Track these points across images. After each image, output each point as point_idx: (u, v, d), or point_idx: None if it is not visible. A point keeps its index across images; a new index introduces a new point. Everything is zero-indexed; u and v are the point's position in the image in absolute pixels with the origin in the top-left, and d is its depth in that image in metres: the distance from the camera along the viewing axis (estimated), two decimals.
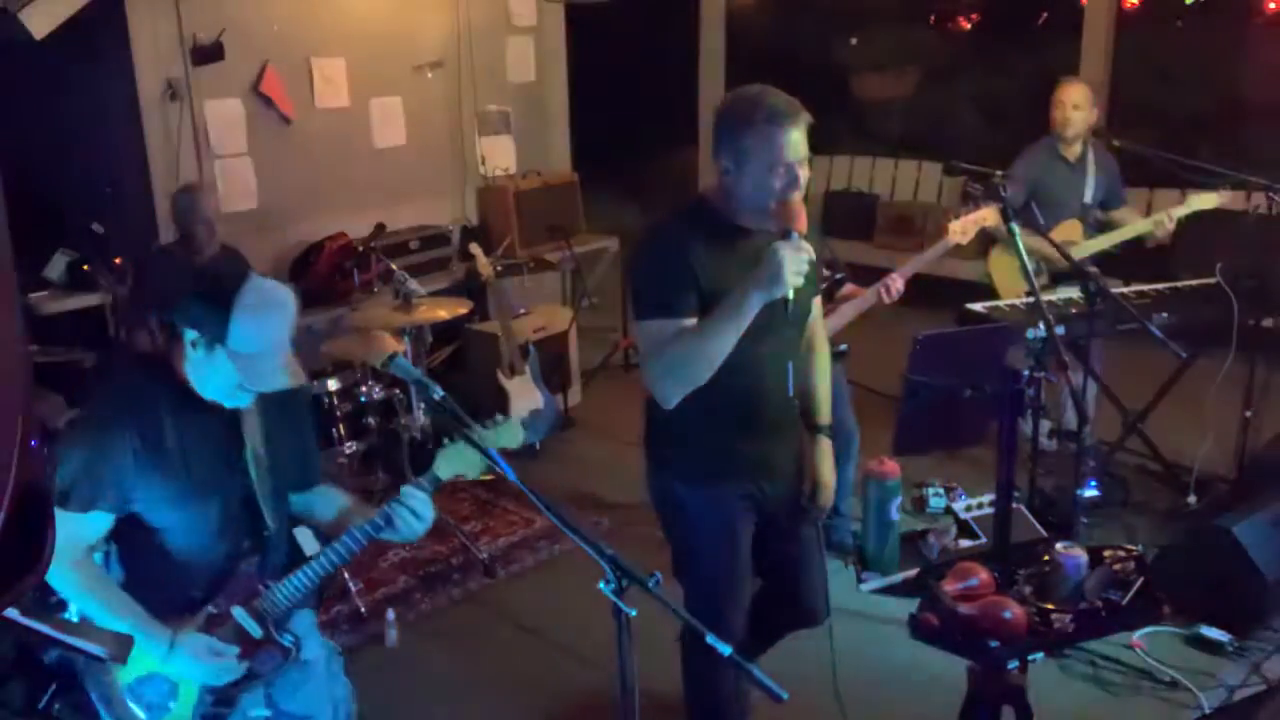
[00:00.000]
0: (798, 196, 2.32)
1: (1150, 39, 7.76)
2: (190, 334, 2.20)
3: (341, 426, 4.45)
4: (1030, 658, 2.64)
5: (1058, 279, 4.47)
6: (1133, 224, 4.56)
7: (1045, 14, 8.72)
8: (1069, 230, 4.50)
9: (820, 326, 2.77)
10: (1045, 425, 4.41)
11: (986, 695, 2.59)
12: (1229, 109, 7.36)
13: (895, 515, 3.99)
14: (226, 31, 5.13)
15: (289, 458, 2.41)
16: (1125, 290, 4.40)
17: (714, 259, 2.36)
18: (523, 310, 5.61)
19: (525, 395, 5.05)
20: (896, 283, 3.87)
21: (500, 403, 4.98)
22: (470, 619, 3.94)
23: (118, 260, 4.81)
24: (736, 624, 2.58)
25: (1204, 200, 4.37)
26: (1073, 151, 4.56)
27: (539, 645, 3.75)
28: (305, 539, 2.52)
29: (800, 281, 2.23)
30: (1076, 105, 4.47)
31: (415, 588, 4.09)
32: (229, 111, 5.34)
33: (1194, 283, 4.37)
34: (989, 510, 4.20)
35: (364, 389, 4.49)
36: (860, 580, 3.97)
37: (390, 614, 3.78)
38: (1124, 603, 2.58)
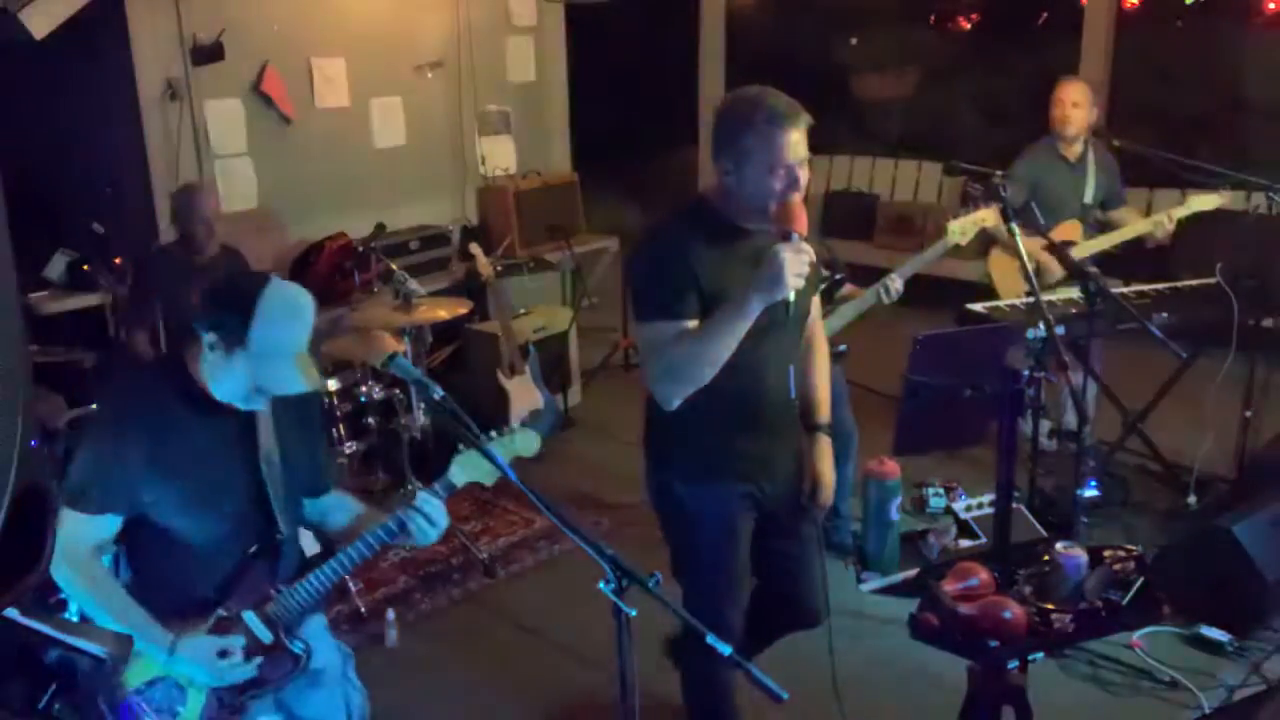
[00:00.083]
0: (798, 198, 2.32)
1: (1150, 39, 7.75)
2: (209, 336, 2.19)
3: (341, 426, 4.45)
4: (1030, 658, 2.64)
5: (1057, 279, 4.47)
6: (1133, 224, 4.56)
7: (1045, 14, 8.71)
8: (1069, 230, 4.50)
9: (819, 326, 2.77)
10: (1045, 425, 4.41)
11: (986, 695, 2.59)
12: (1229, 109, 7.36)
13: (895, 515, 3.99)
14: (226, 31, 5.13)
15: (301, 461, 2.41)
16: (1125, 290, 4.40)
17: (714, 259, 2.36)
18: (523, 311, 5.61)
19: (525, 395, 5.06)
20: (896, 283, 3.88)
21: (500, 403, 4.98)
22: (470, 619, 3.94)
23: (118, 260, 4.81)
24: (735, 623, 2.58)
25: (1204, 201, 4.37)
26: (1073, 151, 4.56)
27: (539, 645, 3.75)
28: (304, 540, 2.52)
29: (801, 284, 2.23)
30: (1076, 103, 4.47)
31: (415, 588, 4.09)
32: (229, 111, 5.33)
33: (1194, 283, 4.37)
34: (989, 510, 4.20)
35: (364, 389, 4.49)
36: (860, 580, 3.97)
37: (390, 614, 3.78)
38: (1124, 603, 2.58)
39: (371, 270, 5.20)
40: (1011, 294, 4.45)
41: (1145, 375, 4.58)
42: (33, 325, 4.45)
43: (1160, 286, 4.40)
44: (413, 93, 6.13)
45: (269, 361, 2.18)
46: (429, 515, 2.28)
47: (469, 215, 6.52)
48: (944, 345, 3.44)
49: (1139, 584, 2.61)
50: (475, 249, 5.25)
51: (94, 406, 3.97)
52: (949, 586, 2.55)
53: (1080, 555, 2.61)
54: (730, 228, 2.40)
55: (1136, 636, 3.45)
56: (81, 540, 2.19)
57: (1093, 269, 3.87)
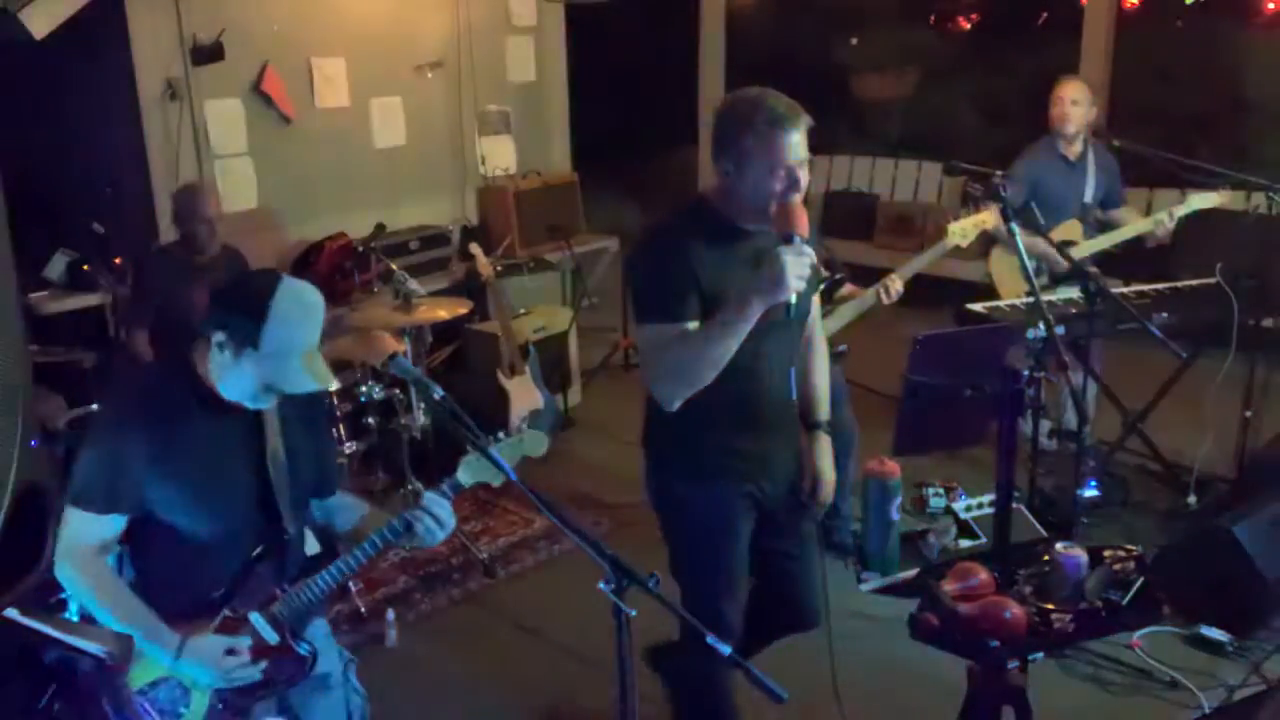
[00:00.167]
0: (798, 199, 2.32)
1: (1150, 39, 7.75)
2: (218, 335, 2.18)
3: (341, 426, 4.44)
4: (1030, 658, 2.64)
5: (1058, 279, 4.47)
6: (1133, 224, 4.57)
7: (1045, 14, 8.70)
8: (1069, 230, 4.50)
9: (818, 325, 2.77)
10: (1045, 425, 4.41)
11: (986, 695, 2.58)
12: (1229, 109, 7.35)
13: (895, 515, 4.00)
14: (226, 31, 5.13)
15: (308, 462, 2.40)
16: (1125, 290, 4.40)
17: (714, 260, 2.36)
18: (523, 311, 5.61)
19: (525, 395, 5.06)
20: (895, 283, 3.88)
21: (500, 403, 4.98)
22: (470, 619, 3.94)
23: (118, 260, 4.81)
24: (735, 623, 2.58)
25: (1204, 199, 4.38)
26: (1073, 150, 4.56)
27: (539, 645, 3.75)
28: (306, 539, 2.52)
29: (802, 286, 2.23)
30: (1075, 101, 4.47)
31: (415, 588, 4.09)
32: (229, 111, 5.33)
33: (1194, 283, 4.37)
34: (989, 510, 4.20)
35: (364, 389, 4.49)
36: (860, 580, 3.97)
37: (390, 614, 3.78)
38: (1124, 603, 2.58)
39: (371, 270, 5.20)
40: (1012, 294, 4.45)
41: (1145, 375, 4.58)
42: (33, 325, 4.44)
43: (1160, 286, 4.40)
44: (413, 93, 6.13)
45: (280, 360, 2.17)
46: (437, 516, 2.27)
47: (469, 215, 6.52)
48: (944, 345, 3.43)
49: (1139, 584, 2.61)
50: (475, 249, 5.25)
51: (94, 407, 3.97)
52: (949, 586, 2.55)
53: (1080, 555, 2.60)
54: (730, 228, 2.41)
55: (1136, 636, 3.45)
56: (87, 539, 2.19)
57: (1093, 269, 3.88)
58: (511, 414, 4.93)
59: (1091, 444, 4.37)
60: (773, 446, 2.59)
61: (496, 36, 6.57)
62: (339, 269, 5.42)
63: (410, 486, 4.34)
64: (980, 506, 4.28)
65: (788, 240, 2.22)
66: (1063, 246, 4.05)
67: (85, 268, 4.84)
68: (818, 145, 2.40)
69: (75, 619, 2.41)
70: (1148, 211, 5.20)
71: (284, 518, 2.33)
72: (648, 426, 2.62)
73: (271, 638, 2.29)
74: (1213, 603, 3.53)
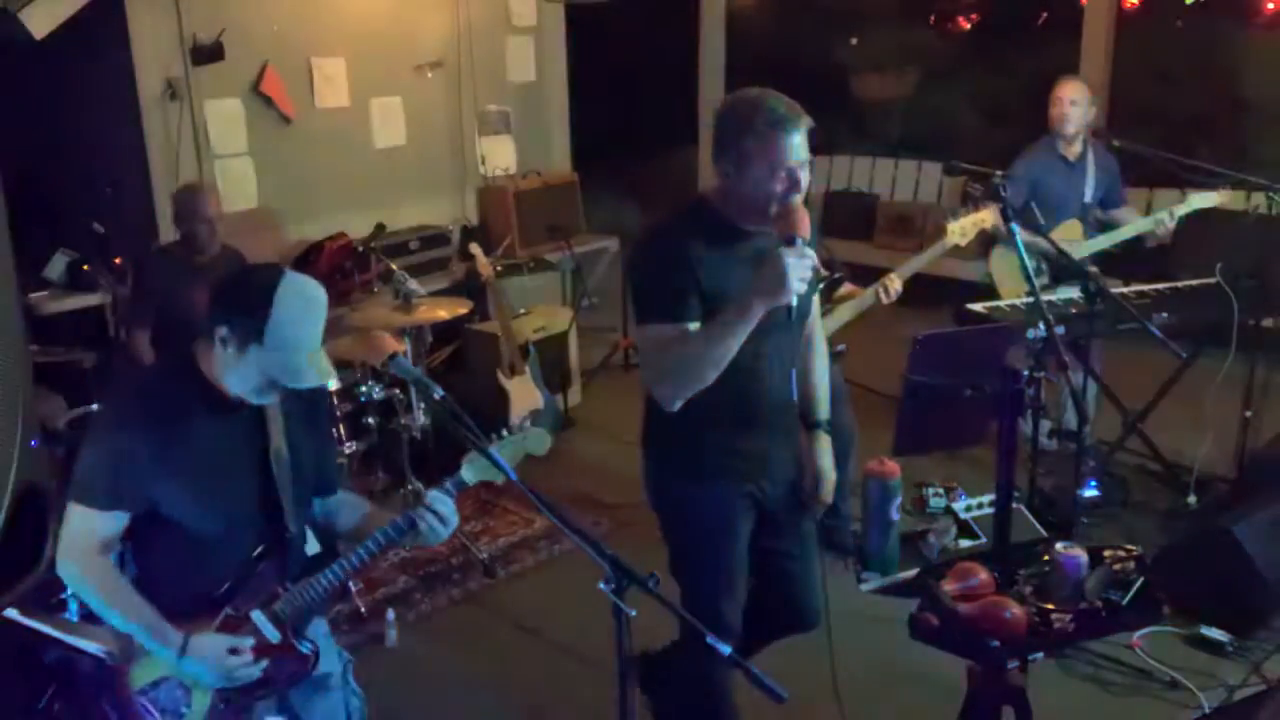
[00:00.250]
0: (799, 200, 2.32)
1: (1150, 39, 7.74)
2: (221, 331, 2.18)
3: (341, 426, 4.44)
4: (1030, 658, 2.64)
5: (1058, 279, 4.48)
6: (1133, 223, 4.57)
7: (1045, 14, 8.70)
8: (1069, 230, 4.50)
9: (818, 324, 2.78)
10: (1045, 425, 4.41)
11: (986, 695, 2.58)
12: (1229, 109, 7.35)
13: (895, 515, 3.99)
14: (226, 31, 5.13)
15: (310, 460, 2.40)
16: (1125, 290, 4.40)
17: (714, 260, 2.36)
18: (523, 311, 5.61)
19: (525, 395, 5.06)
20: (895, 283, 3.88)
21: (500, 403, 4.98)
22: (470, 619, 3.94)
23: (118, 260, 4.81)
24: (734, 623, 2.58)
25: (1204, 199, 4.38)
26: (1073, 150, 4.57)
27: (539, 645, 3.75)
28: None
29: (804, 288, 2.23)
30: (1074, 100, 4.47)
31: (415, 588, 4.09)
32: (229, 111, 5.34)
33: (1194, 283, 4.37)
34: (989, 510, 4.20)
35: (364, 389, 4.49)
36: (860, 580, 3.97)
37: (390, 614, 3.78)
38: (1124, 603, 2.57)
39: (371, 270, 5.21)
40: (1012, 294, 4.46)
41: (1145, 375, 4.58)
42: (33, 325, 4.44)
43: (1160, 286, 4.40)
44: (413, 93, 6.13)
45: (284, 355, 2.17)
46: (440, 514, 2.27)
47: (469, 215, 6.53)
48: (944, 345, 3.43)
49: (1139, 584, 2.61)
50: (475, 249, 5.25)
51: (94, 407, 3.97)
52: (949, 586, 2.55)
53: (1080, 555, 2.60)
54: (730, 229, 2.40)
55: (1136, 636, 3.45)
56: (89, 536, 2.18)
57: (1093, 269, 3.88)
58: (511, 414, 4.93)
59: (1091, 444, 4.37)
60: (773, 447, 2.59)
61: (496, 36, 6.58)
62: (339, 269, 5.43)
63: (410, 487, 4.34)
64: (980, 506, 4.28)
65: (790, 242, 2.22)
66: (1063, 246, 4.05)
67: (85, 268, 4.84)
68: (818, 145, 2.39)
69: (75, 619, 2.41)
70: (1148, 211, 5.20)
71: (286, 516, 2.32)
72: (647, 426, 2.62)
73: (273, 636, 2.29)
74: (1213, 603, 3.53)
